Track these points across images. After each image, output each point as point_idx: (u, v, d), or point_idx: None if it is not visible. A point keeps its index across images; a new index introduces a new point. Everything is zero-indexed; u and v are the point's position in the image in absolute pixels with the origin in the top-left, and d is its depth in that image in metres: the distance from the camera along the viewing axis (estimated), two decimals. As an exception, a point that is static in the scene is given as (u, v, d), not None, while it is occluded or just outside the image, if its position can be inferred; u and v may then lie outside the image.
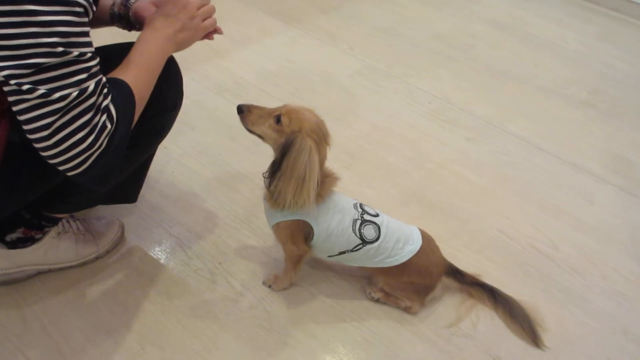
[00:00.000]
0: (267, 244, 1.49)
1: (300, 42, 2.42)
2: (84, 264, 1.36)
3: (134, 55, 1.02)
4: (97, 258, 1.38)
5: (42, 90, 0.81)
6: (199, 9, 1.10)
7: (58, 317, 1.27)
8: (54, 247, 1.30)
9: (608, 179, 1.86)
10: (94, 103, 0.87)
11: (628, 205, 1.77)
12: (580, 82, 2.37)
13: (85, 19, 0.85)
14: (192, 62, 2.14)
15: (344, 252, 1.25)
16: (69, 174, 0.89)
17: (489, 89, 2.27)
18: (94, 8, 0.89)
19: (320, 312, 1.34)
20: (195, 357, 1.22)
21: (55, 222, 1.28)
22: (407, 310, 1.35)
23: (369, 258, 1.26)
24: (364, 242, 1.23)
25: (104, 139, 0.89)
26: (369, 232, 1.24)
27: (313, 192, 1.13)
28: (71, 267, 1.35)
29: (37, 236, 1.26)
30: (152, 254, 1.43)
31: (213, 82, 2.09)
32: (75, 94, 0.84)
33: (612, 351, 1.33)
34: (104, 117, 0.89)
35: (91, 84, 0.87)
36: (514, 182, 1.80)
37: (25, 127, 0.83)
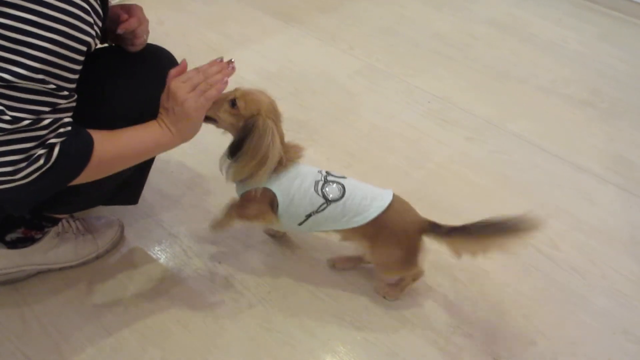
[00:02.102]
0: (267, 244, 1.49)
1: (300, 42, 2.42)
2: (83, 263, 1.36)
3: (128, 130, 1.02)
4: (97, 258, 1.38)
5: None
6: (190, 91, 1.04)
7: (58, 316, 1.27)
8: (54, 247, 1.30)
9: (608, 178, 1.86)
10: (41, 136, 0.85)
11: (628, 205, 1.76)
12: (580, 82, 2.37)
13: (81, 58, 0.85)
14: (192, 61, 2.12)
15: (310, 215, 1.24)
16: None
17: (489, 89, 2.27)
18: (97, 42, 0.88)
19: (320, 312, 1.34)
20: (196, 357, 1.22)
21: (55, 222, 1.28)
22: (415, 278, 1.34)
23: (337, 219, 1.24)
24: (328, 201, 1.22)
25: (31, 172, 0.86)
26: (332, 190, 1.23)
27: (270, 169, 1.18)
28: (71, 266, 1.35)
29: (37, 236, 1.26)
30: (151, 254, 1.43)
31: (213, 82, 2.08)
32: (27, 122, 0.82)
33: (612, 351, 1.33)
34: (43, 151, 0.86)
35: (48, 119, 0.85)
36: (514, 182, 1.80)
37: None
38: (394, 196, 1.27)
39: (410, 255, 1.28)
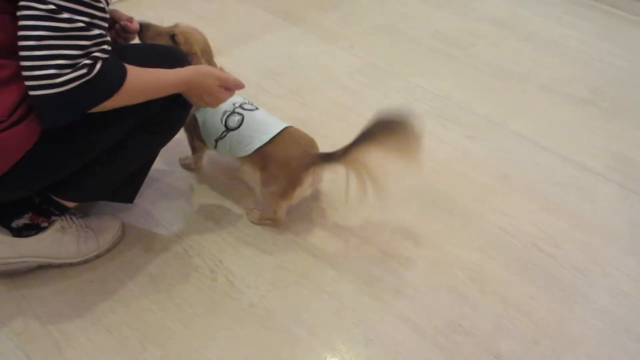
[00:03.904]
0: (267, 242, 1.49)
1: (300, 40, 2.42)
2: (84, 261, 1.36)
3: (156, 70, 1.10)
4: (97, 256, 1.38)
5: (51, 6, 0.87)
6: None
7: (58, 315, 1.26)
8: (57, 241, 1.30)
9: (609, 177, 1.86)
10: (87, 46, 0.92)
11: (629, 203, 1.76)
12: (581, 80, 2.36)
13: None
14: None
15: (217, 141, 1.42)
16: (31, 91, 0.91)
17: (490, 87, 2.27)
18: None
19: (321, 310, 1.34)
20: (196, 356, 1.22)
21: (63, 210, 1.28)
22: (273, 222, 1.48)
23: (234, 147, 1.40)
24: (227, 129, 1.39)
25: (72, 79, 0.91)
26: (232, 121, 1.40)
27: None
28: (72, 264, 1.35)
29: (42, 224, 1.27)
30: (152, 252, 1.43)
31: (213, 80, 2.08)
32: (81, 25, 0.90)
33: (613, 350, 1.33)
34: (88, 62, 0.92)
35: (96, 30, 0.93)
36: (515, 180, 1.80)
37: (21, 33, 0.89)
38: (291, 131, 1.41)
39: (289, 186, 1.38)
